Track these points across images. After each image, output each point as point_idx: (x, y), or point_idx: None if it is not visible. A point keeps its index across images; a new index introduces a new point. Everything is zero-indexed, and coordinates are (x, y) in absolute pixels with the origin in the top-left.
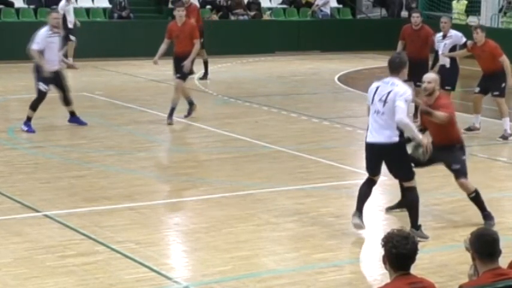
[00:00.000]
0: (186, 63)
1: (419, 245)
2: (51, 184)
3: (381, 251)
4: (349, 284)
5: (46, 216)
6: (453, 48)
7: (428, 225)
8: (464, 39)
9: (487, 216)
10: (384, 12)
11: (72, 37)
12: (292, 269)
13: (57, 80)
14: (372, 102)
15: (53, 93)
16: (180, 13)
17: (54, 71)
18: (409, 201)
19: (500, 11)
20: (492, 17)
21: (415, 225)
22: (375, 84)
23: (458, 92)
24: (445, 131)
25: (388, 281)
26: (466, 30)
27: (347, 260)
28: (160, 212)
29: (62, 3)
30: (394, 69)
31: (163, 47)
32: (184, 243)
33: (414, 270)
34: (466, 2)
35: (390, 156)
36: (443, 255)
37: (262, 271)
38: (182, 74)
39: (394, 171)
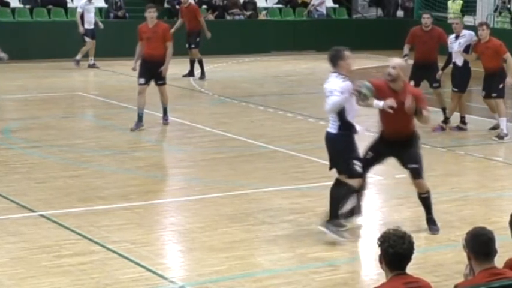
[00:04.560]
0: (164, 69)
1: (415, 245)
2: (46, 184)
3: (377, 251)
4: (345, 284)
5: (42, 216)
6: (467, 48)
7: (424, 224)
8: (475, 38)
9: (430, 220)
10: (379, 12)
11: (86, 38)
12: (287, 268)
13: None
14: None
15: (49, 92)
16: (151, 14)
17: None
18: (334, 194)
19: (495, 10)
20: (487, 16)
21: (330, 218)
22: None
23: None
24: (405, 124)
25: (384, 280)
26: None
27: (343, 260)
28: (156, 211)
29: (82, 2)
30: (331, 63)
31: (138, 50)
32: (180, 243)
33: (410, 269)
34: (461, 2)
35: (329, 145)
36: (439, 255)
37: (258, 271)
38: (163, 79)
39: (334, 163)
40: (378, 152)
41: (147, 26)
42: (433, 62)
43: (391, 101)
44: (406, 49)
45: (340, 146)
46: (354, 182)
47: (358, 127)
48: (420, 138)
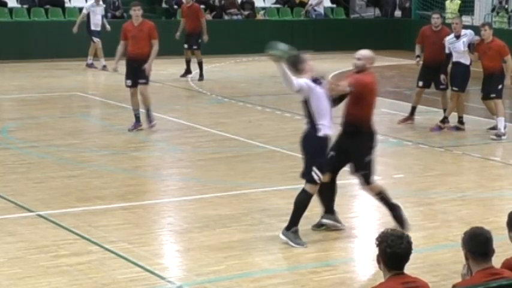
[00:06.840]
0: (147, 67)
1: (413, 245)
2: (44, 184)
3: (375, 251)
4: (343, 284)
5: (39, 216)
6: (468, 47)
7: (421, 224)
8: (476, 37)
9: (397, 217)
10: (377, 12)
11: (95, 39)
12: (285, 268)
13: None
14: None
15: (46, 92)
16: (136, 12)
17: None
18: (295, 201)
19: (493, 10)
20: (485, 16)
21: (288, 225)
22: None
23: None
24: (354, 111)
25: (382, 280)
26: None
27: (341, 260)
28: (154, 211)
29: (89, 4)
30: (296, 72)
31: (120, 50)
32: (177, 243)
33: (408, 269)
34: (459, 2)
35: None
36: (437, 255)
37: (256, 271)
38: (146, 78)
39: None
40: (338, 149)
41: (132, 25)
42: (442, 62)
43: (350, 76)
44: (417, 50)
45: (306, 147)
46: (310, 188)
47: (326, 130)
48: (376, 145)
